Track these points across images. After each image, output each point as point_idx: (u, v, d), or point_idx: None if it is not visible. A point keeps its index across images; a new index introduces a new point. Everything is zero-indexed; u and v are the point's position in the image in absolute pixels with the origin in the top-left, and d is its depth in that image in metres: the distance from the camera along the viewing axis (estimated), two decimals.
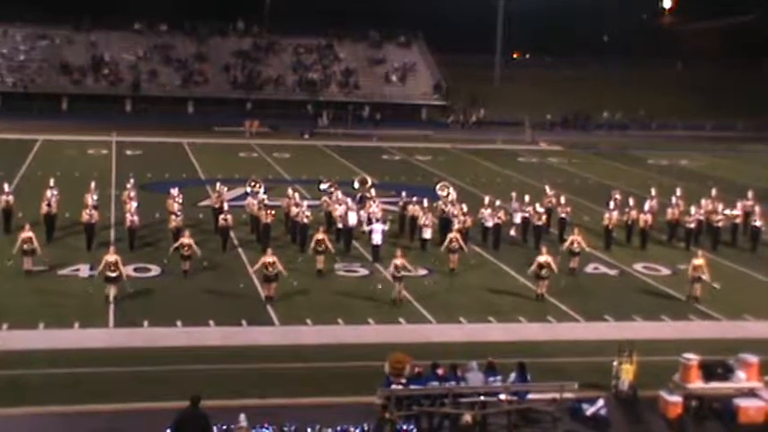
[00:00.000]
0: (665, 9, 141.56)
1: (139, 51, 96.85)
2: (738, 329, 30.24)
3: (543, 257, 32.64)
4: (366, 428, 20.52)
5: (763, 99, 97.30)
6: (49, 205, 38.18)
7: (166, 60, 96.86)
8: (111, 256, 30.55)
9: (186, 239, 33.49)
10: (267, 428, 19.97)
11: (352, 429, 20.42)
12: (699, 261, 33.50)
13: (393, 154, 70.95)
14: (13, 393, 22.77)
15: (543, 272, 32.55)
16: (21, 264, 33.09)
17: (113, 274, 30.32)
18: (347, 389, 23.59)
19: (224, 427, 19.94)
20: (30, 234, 33.20)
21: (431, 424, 21.64)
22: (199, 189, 49.51)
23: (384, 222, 38.33)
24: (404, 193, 42.96)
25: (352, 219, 38.95)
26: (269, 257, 31.26)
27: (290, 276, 32.58)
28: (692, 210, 41.90)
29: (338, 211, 39.22)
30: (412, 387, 21.49)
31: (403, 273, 31.53)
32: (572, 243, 36.21)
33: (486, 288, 33.96)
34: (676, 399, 23.12)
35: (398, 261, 31.62)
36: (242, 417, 19.68)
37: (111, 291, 30.26)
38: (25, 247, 32.97)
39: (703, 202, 43.50)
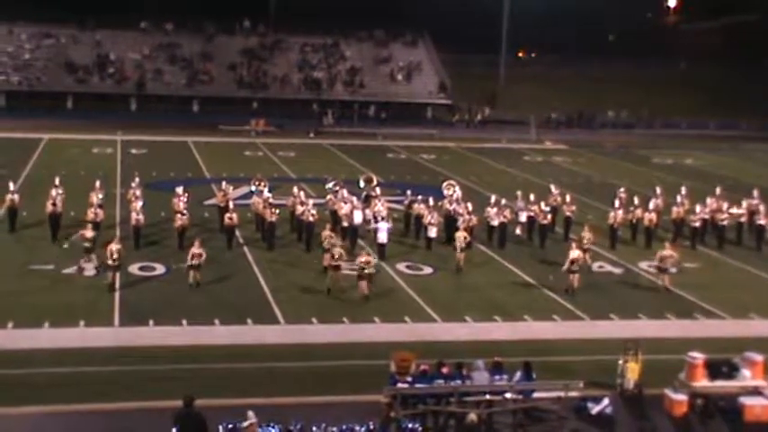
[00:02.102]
0: (669, 8, 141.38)
1: (145, 50, 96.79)
2: (744, 328, 30.21)
3: (575, 252, 33.10)
4: (371, 427, 20.52)
5: (767, 98, 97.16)
6: (54, 204, 38.18)
7: (172, 59, 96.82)
8: (114, 245, 31.38)
9: (197, 249, 32.43)
10: (273, 427, 19.97)
11: (357, 428, 20.42)
12: (666, 252, 33.84)
13: (398, 153, 70.93)
14: (18, 392, 22.79)
15: (573, 266, 32.92)
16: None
17: (114, 263, 31.12)
18: (353, 387, 23.58)
19: (229, 426, 19.96)
20: (88, 233, 33.98)
21: (436, 423, 21.65)
22: (204, 188, 49.51)
23: (388, 221, 38.33)
24: (409, 192, 42.96)
25: (358, 217, 39.00)
26: (364, 257, 31.86)
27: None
28: (697, 208, 41.93)
29: (344, 209, 39.23)
30: (417, 386, 21.50)
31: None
32: (581, 240, 36.29)
33: (491, 287, 33.99)
34: (682, 397, 23.13)
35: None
36: (250, 413, 19.68)
37: (110, 277, 31.16)
38: (86, 245, 33.47)
39: (708, 200, 43.51)
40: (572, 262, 33.01)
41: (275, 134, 78.85)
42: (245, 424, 19.46)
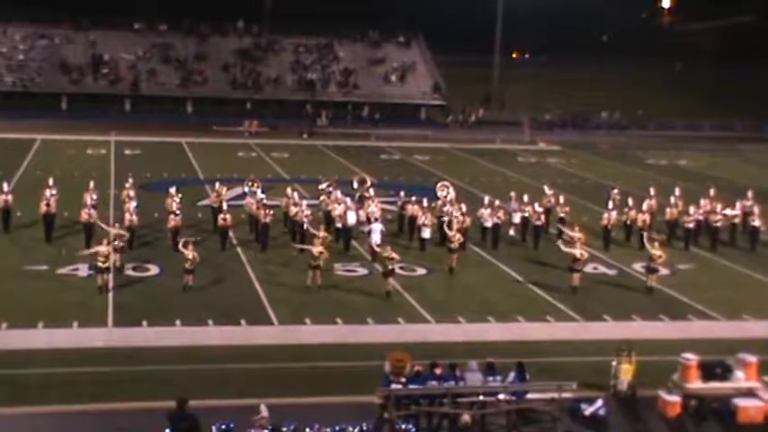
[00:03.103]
0: (664, 9, 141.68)
1: (139, 51, 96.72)
2: (737, 329, 30.21)
3: (577, 251, 33.28)
4: (365, 428, 20.51)
5: (762, 99, 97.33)
6: (48, 205, 38.15)
7: (166, 60, 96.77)
8: (103, 247, 31.12)
9: (190, 253, 32.07)
10: (267, 428, 19.95)
11: (350, 429, 20.42)
12: (656, 252, 33.92)
13: (392, 153, 70.94)
14: (12, 393, 22.74)
15: (577, 264, 33.08)
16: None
17: (104, 265, 30.95)
18: (346, 388, 23.57)
19: (222, 427, 19.95)
20: (119, 232, 34.05)
21: (430, 424, 21.64)
22: (198, 188, 49.52)
23: (382, 222, 38.32)
24: (402, 193, 42.97)
25: (351, 218, 38.95)
26: (386, 251, 31.96)
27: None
28: (691, 210, 41.93)
29: (337, 210, 39.20)
30: (411, 387, 21.48)
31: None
32: (573, 240, 36.23)
33: (485, 288, 33.98)
34: (675, 399, 23.12)
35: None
36: (263, 407, 19.71)
37: (100, 280, 31.08)
38: (116, 243, 33.26)
39: (702, 201, 43.50)
40: (575, 260, 33.21)
41: (269, 135, 78.83)
42: (257, 417, 19.51)
